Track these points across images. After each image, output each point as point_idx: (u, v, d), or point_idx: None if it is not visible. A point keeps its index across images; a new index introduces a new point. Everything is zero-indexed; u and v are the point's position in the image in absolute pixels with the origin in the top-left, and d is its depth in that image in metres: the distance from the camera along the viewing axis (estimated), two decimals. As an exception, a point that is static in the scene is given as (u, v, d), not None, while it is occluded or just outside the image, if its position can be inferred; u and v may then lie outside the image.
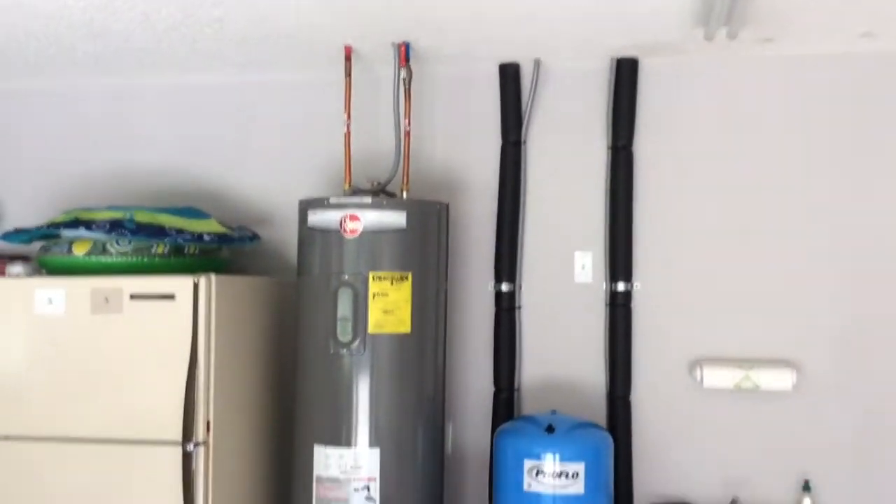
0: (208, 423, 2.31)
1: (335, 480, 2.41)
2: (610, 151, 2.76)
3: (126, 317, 2.33)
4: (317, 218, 2.44)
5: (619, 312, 2.71)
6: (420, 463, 2.50)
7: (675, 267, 2.74)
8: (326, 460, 2.42)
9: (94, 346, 2.35)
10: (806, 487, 2.54)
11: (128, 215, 2.48)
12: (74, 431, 2.35)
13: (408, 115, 2.68)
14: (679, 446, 2.71)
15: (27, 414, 2.38)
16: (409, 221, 2.42)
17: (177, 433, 2.28)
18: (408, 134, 2.68)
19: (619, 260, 2.72)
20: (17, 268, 2.63)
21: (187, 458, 2.27)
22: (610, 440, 2.47)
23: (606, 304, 2.76)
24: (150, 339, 2.32)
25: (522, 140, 2.81)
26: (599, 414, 2.74)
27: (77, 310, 2.36)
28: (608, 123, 2.77)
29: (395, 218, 2.41)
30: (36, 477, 2.36)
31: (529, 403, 2.83)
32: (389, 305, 2.42)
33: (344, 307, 2.41)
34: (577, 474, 2.34)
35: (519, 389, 2.84)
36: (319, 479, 2.42)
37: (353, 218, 2.39)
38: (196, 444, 2.28)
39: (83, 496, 2.34)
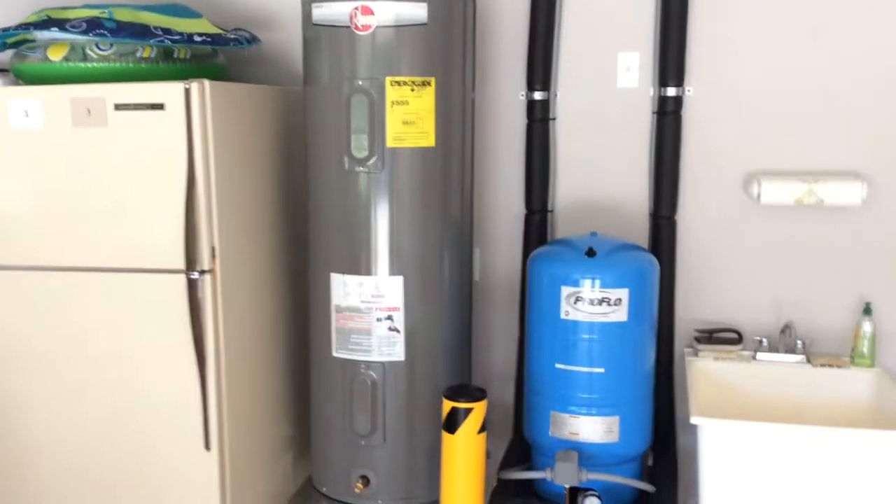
0: (213, 250, 2.08)
1: (356, 310, 2.21)
2: (663, -68, 2.36)
3: (112, 130, 2.05)
4: (323, 12, 2.09)
5: (668, 121, 2.40)
6: (446, 291, 2.29)
7: (732, 69, 2.40)
8: (345, 289, 2.22)
9: (79, 164, 2.09)
10: (867, 311, 2.33)
11: (106, 13, 2.14)
12: (64, 260, 2.14)
13: None
14: (729, 270, 2.49)
15: (11, 241, 2.16)
16: (432, 15, 2.07)
17: (179, 261, 2.07)
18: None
19: (671, 61, 2.37)
20: (-11, 80, 2.33)
21: (193, 287, 2.07)
22: (656, 264, 2.24)
23: (653, 113, 2.45)
24: (140, 156, 2.05)
25: (560, -79, 2.40)
26: (641, 237, 2.50)
27: (57, 123, 2.08)
28: None
29: (415, 11, 2.06)
30: (26, 308, 2.18)
31: (564, 226, 2.59)
32: (410, 115, 2.12)
33: (358, 118, 2.12)
34: (620, 301, 2.13)
35: (553, 211, 2.59)
36: (339, 309, 2.23)
37: (366, 11, 2.04)
38: (201, 272, 2.07)
39: (82, 329, 2.17)
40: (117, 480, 2.21)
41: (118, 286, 2.12)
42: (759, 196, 2.35)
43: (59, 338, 2.18)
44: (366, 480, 2.28)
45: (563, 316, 2.15)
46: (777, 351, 2.38)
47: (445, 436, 2.00)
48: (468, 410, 1.98)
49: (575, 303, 2.14)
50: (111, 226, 2.10)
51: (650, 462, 2.38)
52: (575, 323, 2.15)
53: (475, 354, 2.58)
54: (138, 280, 2.11)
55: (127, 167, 2.07)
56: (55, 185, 2.12)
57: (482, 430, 2.01)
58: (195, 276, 2.06)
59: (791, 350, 2.37)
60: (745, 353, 2.41)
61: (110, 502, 2.23)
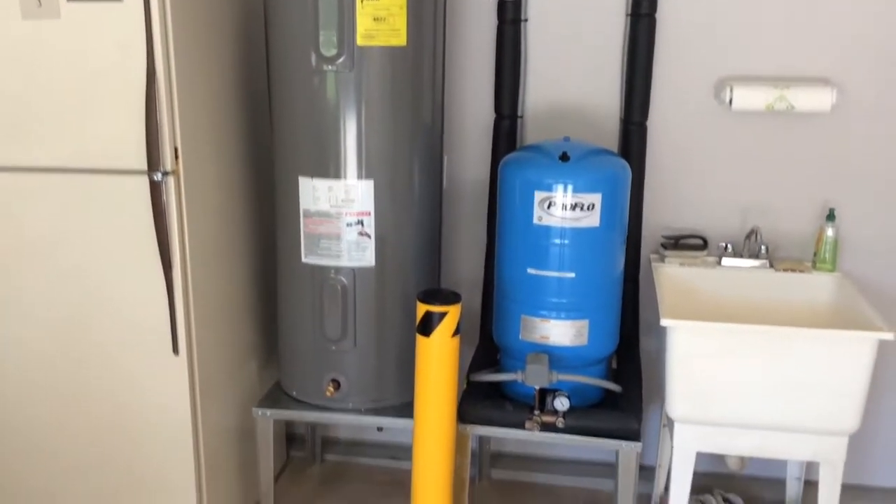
0: (176, 150, 2.00)
1: (325, 215, 2.17)
2: None
3: (65, 23, 1.93)
4: None
5: (642, 24, 2.35)
6: (416, 196, 2.26)
7: (708, -28, 2.36)
8: (314, 193, 2.17)
9: (31, 59, 1.97)
10: (830, 217, 2.37)
11: None
12: (21, 161, 2.04)
13: None
14: (697, 176, 2.50)
15: (-39, 140, 2.05)
16: None
17: (141, 161, 1.98)
18: None
19: (647, -39, 2.32)
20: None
21: (156, 189, 1.99)
22: (628, 169, 2.23)
23: (627, 15, 2.40)
24: (96, 50, 1.94)
25: None
26: (611, 144, 2.49)
27: (5, 15, 1.95)
28: None
29: None
30: (-17, 211, 2.09)
31: (533, 133, 2.56)
32: (381, 11, 2.03)
33: (326, 13, 2.03)
34: (593, 206, 2.12)
35: (522, 117, 2.55)
36: (307, 214, 2.18)
37: None
38: (164, 174, 1.99)
39: (44, 233, 2.08)
40: (84, 387, 2.18)
41: (78, 188, 2.04)
42: (730, 102, 2.34)
43: (20, 242, 2.10)
44: (336, 384, 2.28)
45: (535, 221, 2.14)
46: (741, 256, 2.42)
47: (420, 339, 2.00)
48: (442, 314, 1.98)
49: (548, 208, 2.12)
50: (67, 124, 2.00)
51: (614, 365, 2.43)
52: (547, 228, 2.14)
53: (443, 261, 2.57)
54: (99, 182, 2.03)
55: (82, 62, 1.96)
56: (5, 82, 2.00)
57: (456, 333, 2.01)
58: (157, 177, 1.98)
59: (755, 255, 2.41)
60: (710, 258, 2.44)
61: (77, 408, 2.20)
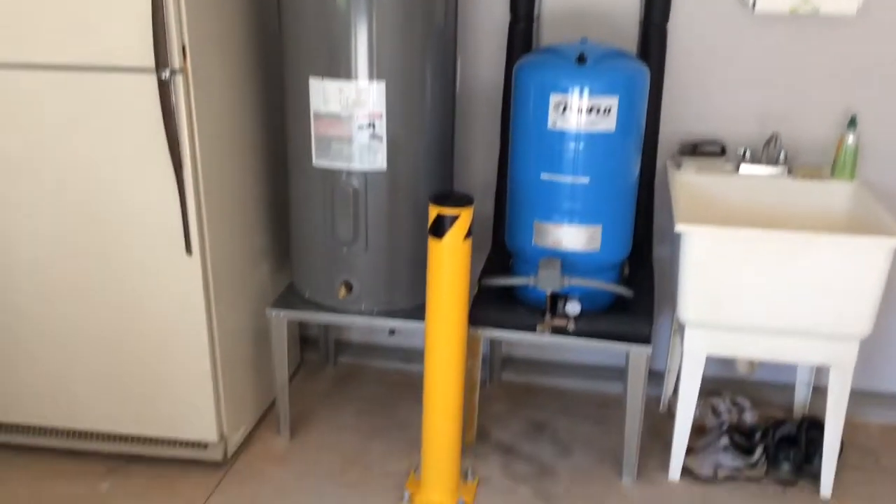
0: (184, 48, 1.96)
1: (336, 117, 2.14)
2: None
3: (65, -88, 1.88)
4: None
5: (667, -81, 2.26)
6: (429, 99, 2.22)
7: None
8: (325, 94, 2.13)
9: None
10: (852, 123, 2.32)
11: None
12: (30, 58, 2.01)
13: None
14: (717, 81, 2.43)
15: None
16: None
17: (148, 59, 1.95)
18: None
19: None
20: None
21: (164, 88, 1.96)
22: (647, 72, 2.18)
23: None
24: (99, -58, 1.89)
25: None
26: (630, 46, 2.42)
27: None
28: None
29: None
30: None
31: (549, 35, 2.49)
32: None
33: None
34: (610, 110, 2.08)
35: (538, 19, 2.48)
36: (318, 116, 2.15)
37: None
38: (172, 72, 1.96)
39: (54, 132, 2.07)
40: (100, 285, 2.20)
41: (88, 87, 2.01)
42: (753, 4, 2.27)
43: (32, 140, 2.08)
44: (349, 286, 2.30)
45: (550, 126, 2.10)
46: (760, 163, 2.38)
47: (432, 242, 2.00)
48: (454, 217, 1.97)
49: (563, 112, 2.08)
50: (74, 21, 1.96)
51: (627, 272, 2.43)
52: (562, 133, 2.10)
53: (456, 166, 2.55)
54: (107, 80, 2.00)
55: (86, -46, 1.90)
56: (7, -25, 1.95)
57: (468, 236, 2.01)
58: (165, 75, 1.95)
59: (773, 162, 2.37)
60: (728, 165, 2.41)
61: (94, 306, 2.22)
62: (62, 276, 2.20)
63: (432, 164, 2.28)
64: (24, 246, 2.19)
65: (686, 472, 2.37)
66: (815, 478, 2.31)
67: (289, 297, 2.44)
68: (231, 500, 2.26)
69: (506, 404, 2.74)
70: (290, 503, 2.26)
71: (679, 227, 2.02)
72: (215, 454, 2.34)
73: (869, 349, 2.49)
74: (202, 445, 2.34)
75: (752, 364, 2.41)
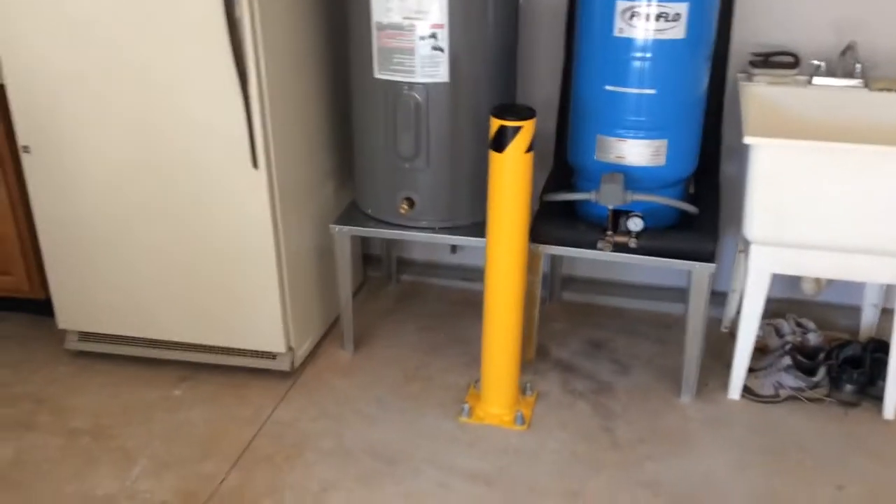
0: (247, -39, 1.96)
1: (398, 27, 2.12)
2: None
3: None
4: None
5: None
6: (492, 10, 2.18)
7: None
8: (386, 5, 2.11)
9: None
10: (937, 35, 2.20)
11: None
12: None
13: None
14: (792, -12, 2.33)
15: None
16: None
17: (212, -29, 1.96)
18: None
19: None
20: None
21: (228, 1, 1.97)
22: (718, -22, 2.10)
23: None
24: None
25: None
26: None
27: None
28: None
29: None
30: (56, 23, 2.10)
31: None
32: None
33: None
34: (679, 16, 2.01)
35: (605, -75, 2.39)
36: (380, 27, 2.14)
37: None
38: (236, -15, 1.96)
39: (118, 45, 2.10)
40: (168, 198, 2.25)
41: (153, -1, 2.03)
42: None
43: (98, 58, 2.12)
44: (410, 202, 2.31)
45: (616, 33, 2.05)
46: (835, 75, 2.29)
47: (493, 155, 1.99)
48: (516, 129, 1.95)
49: (630, 18, 2.02)
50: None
51: (692, 190, 2.38)
52: (628, 41, 2.05)
53: (519, 82, 2.51)
54: (172, -7, 2.02)
55: None
56: None
57: (529, 149, 1.99)
58: (230, -11, 1.96)
59: (849, 74, 2.27)
60: (801, 77, 2.32)
61: (162, 218, 2.28)
62: (133, 193, 2.26)
63: (494, 77, 2.25)
64: (95, 164, 2.25)
65: (746, 391, 2.36)
66: (878, 400, 2.28)
67: (352, 213, 2.48)
68: (298, 408, 2.35)
69: (565, 323, 2.75)
70: (353, 412, 2.33)
71: (748, 140, 1.97)
72: (283, 364, 2.42)
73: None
74: (271, 356, 2.42)
75: (818, 284, 2.36)
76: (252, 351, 2.43)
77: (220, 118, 2.11)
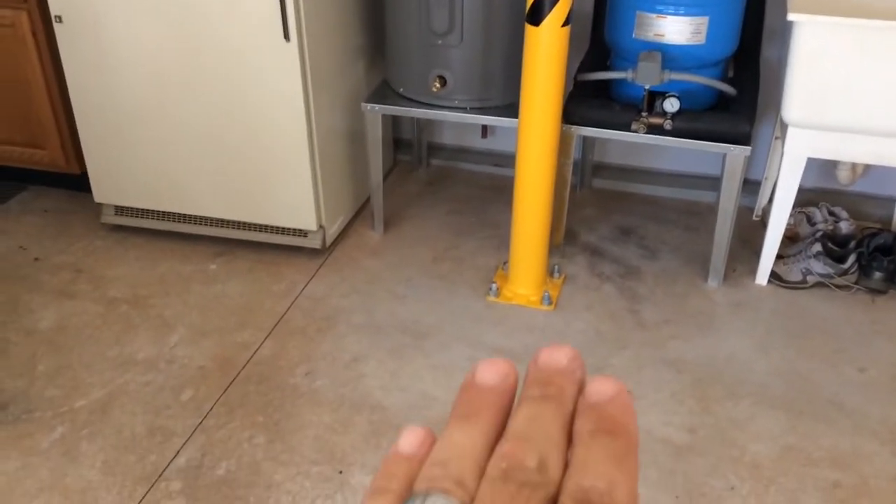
0: None
1: None
2: None
3: None
4: None
5: None
6: None
7: None
8: None
9: None
10: None
11: None
12: None
13: None
14: None
15: None
16: None
17: None
18: None
19: None
20: None
21: None
22: None
23: None
24: None
25: None
26: None
27: None
28: None
29: None
30: None
31: None
32: None
33: None
34: None
35: None
36: None
37: None
38: None
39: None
40: (202, 79, 2.25)
41: None
42: None
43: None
44: (443, 80, 2.29)
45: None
46: (888, -48, 2.19)
47: (529, 28, 1.95)
48: (554, 1, 1.91)
49: None
50: None
51: (731, 73, 2.33)
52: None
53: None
54: None
55: None
56: None
57: (566, 23, 1.95)
58: None
59: (904, -49, 2.18)
60: (852, -46, 2.22)
61: (196, 101, 2.29)
62: (165, 67, 2.26)
63: (532, -49, 2.18)
64: (127, 37, 2.24)
65: (774, 277, 2.37)
66: (908, 287, 2.28)
67: (383, 91, 2.46)
68: (329, 284, 2.40)
69: (595, 209, 2.76)
70: (383, 290, 2.38)
71: (792, 16, 1.91)
72: (314, 242, 2.46)
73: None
74: (303, 233, 2.46)
75: (854, 172, 2.33)
76: (284, 228, 2.46)
77: (251, -12, 2.08)
